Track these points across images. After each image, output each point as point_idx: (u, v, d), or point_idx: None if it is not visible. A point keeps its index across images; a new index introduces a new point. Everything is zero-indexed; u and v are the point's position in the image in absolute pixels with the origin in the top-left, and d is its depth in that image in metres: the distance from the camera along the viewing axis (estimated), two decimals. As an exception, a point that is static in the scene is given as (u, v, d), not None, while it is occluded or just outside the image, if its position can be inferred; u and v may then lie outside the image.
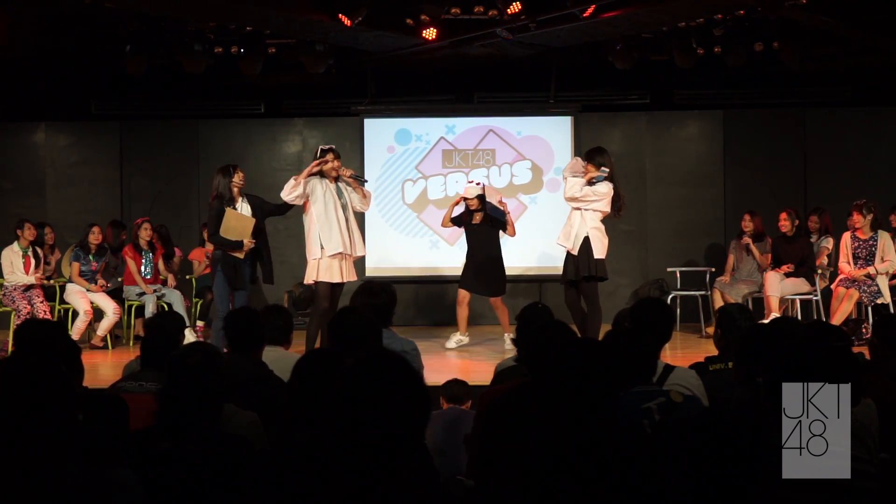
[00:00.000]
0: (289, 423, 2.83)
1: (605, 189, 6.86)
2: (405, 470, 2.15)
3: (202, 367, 2.78)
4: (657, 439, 2.06)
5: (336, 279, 6.84)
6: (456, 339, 8.22)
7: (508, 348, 7.64)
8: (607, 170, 6.90)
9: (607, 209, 6.88)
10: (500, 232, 8.26)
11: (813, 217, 9.09)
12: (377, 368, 2.18)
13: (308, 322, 7.10)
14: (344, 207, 6.92)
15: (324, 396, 2.52)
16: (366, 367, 2.19)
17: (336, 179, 6.97)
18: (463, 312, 8.22)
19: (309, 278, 6.93)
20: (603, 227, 6.97)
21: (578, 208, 6.89)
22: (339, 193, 6.95)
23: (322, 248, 6.80)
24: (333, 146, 7.13)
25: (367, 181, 7.35)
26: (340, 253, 6.81)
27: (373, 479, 2.07)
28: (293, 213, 10.49)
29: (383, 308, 4.35)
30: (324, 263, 6.80)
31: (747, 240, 8.89)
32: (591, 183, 6.87)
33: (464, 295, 8.21)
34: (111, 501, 2.07)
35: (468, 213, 8.27)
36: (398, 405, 2.13)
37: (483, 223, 8.17)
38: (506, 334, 7.99)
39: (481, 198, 8.18)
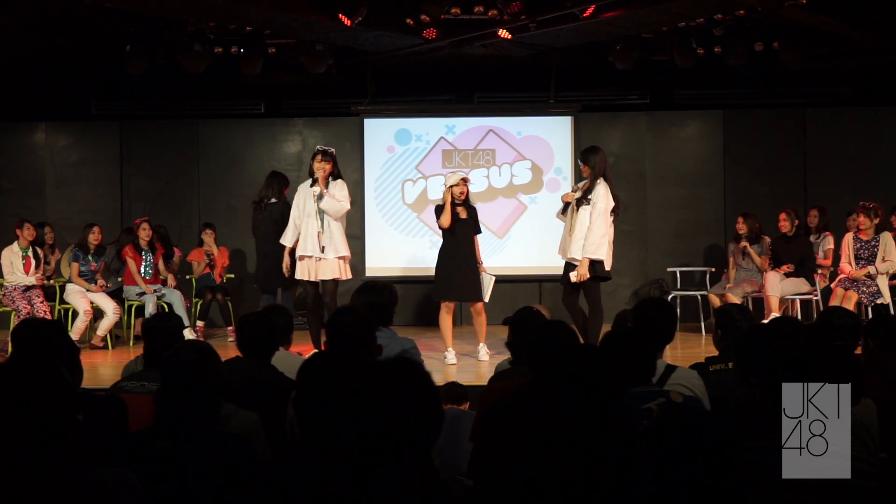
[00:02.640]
0: (292, 424, 2.83)
1: (602, 191, 6.80)
2: (406, 470, 2.14)
3: (196, 365, 2.77)
4: (649, 439, 2.06)
5: (304, 277, 7.10)
6: (453, 353, 7.41)
7: (483, 359, 7.37)
8: (578, 188, 6.97)
9: (612, 204, 6.82)
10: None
11: (813, 212, 9.09)
12: (395, 377, 2.15)
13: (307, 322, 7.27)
14: (320, 212, 7.02)
15: (331, 400, 2.51)
16: (384, 375, 2.16)
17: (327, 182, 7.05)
18: (449, 323, 7.46)
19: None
20: (610, 237, 6.87)
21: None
22: (321, 196, 7.00)
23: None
24: (326, 148, 7.17)
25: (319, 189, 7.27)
26: (311, 256, 7.05)
27: (377, 482, 2.07)
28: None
29: (385, 306, 4.36)
30: (297, 264, 7.15)
31: (745, 244, 8.90)
32: (585, 199, 6.82)
33: (449, 306, 7.47)
34: (111, 501, 2.07)
35: (452, 205, 7.39)
36: (415, 416, 2.11)
37: (469, 218, 7.43)
38: (480, 344, 7.55)
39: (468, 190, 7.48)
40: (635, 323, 3.88)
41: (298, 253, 7.08)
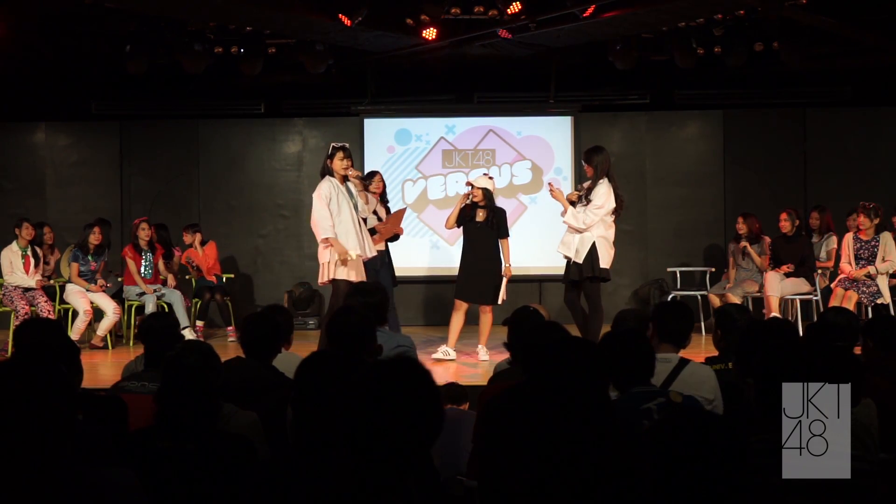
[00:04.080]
0: (292, 424, 2.83)
1: (603, 190, 6.80)
2: (405, 470, 2.14)
3: (198, 366, 2.77)
4: (648, 439, 2.06)
5: (353, 278, 6.71)
6: (443, 350, 7.47)
7: (484, 360, 7.37)
8: (583, 188, 6.96)
9: (612, 205, 6.81)
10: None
11: (814, 213, 9.09)
12: (395, 375, 2.15)
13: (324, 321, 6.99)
14: (355, 208, 6.89)
15: (330, 399, 2.51)
16: (383, 374, 2.16)
17: (345, 179, 6.93)
18: (458, 322, 7.50)
19: (323, 278, 6.83)
20: (611, 237, 6.86)
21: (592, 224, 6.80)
22: (350, 194, 6.91)
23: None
24: (346, 144, 7.09)
25: (368, 181, 7.34)
26: (356, 254, 6.76)
27: (376, 482, 2.07)
28: (293, 214, 10.55)
29: (379, 306, 4.40)
30: (341, 264, 6.72)
31: (744, 244, 8.91)
32: (586, 199, 6.82)
33: (461, 304, 7.51)
34: (111, 501, 2.07)
35: (471, 207, 7.46)
36: (415, 415, 2.10)
37: (485, 223, 7.43)
38: (480, 346, 7.53)
39: (488, 193, 7.44)
40: (655, 325, 3.88)
41: (353, 253, 6.72)
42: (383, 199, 7.93)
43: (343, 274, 6.70)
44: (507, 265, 7.53)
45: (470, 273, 7.47)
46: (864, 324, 4.20)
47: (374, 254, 7.12)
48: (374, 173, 7.90)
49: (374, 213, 7.57)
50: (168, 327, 3.92)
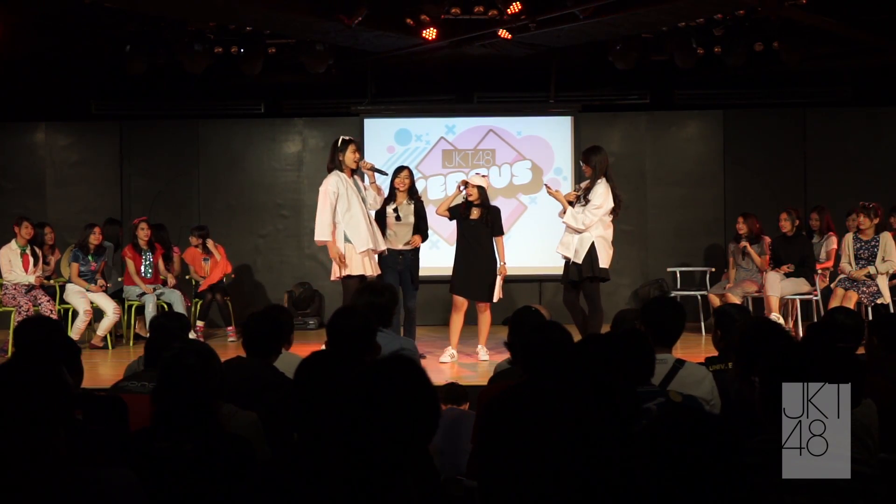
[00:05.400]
0: (292, 424, 2.83)
1: (602, 190, 6.81)
2: (406, 471, 2.14)
3: (194, 366, 2.77)
4: (646, 437, 2.07)
5: (368, 272, 6.80)
6: (450, 353, 7.41)
7: (484, 359, 7.38)
8: (581, 188, 6.98)
9: (611, 205, 6.84)
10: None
11: (814, 214, 9.10)
12: (390, 373, 2.15)
13: None
14: (363, 201, 6.88)
15: (329, 399, 2.51)
16: (381, 373, 2.16)
17: (353, 173, 6.91)
18: (458, 322, 7.48)
19: (334, 274, 6.89)
20: (609, 237, 6.88)
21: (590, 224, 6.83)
22: (358, 188, 6.90)
23: (350, 243, 6.78)
24: (353, 139, 7.09)
25: (387, 174, 7.35)
26: (367, 249, 6.79)
27: (375, 482, 2.07)
28: (293, 214, 10.54)
29: (385, 307, 4.37)
30: (355, 259, 6.77)
31: (745, 244, 8.91)
32: (584, 199, 6.84)
33: (461, 302, 7.46)
34: (111, 501, 2.07)
35: (465, 205, 7.46)
36: (411, 413, 2.10)
37: (480, 220, 7.42)
38: (480, 346, 7.52)
39: (483, 191, 7.44)
40: (644, 322, 3.88)
41: (360, 248, 6.79)
42: (412, 194, 7.60)
43: (356, 270, 6.74)
44: (503, 263, 7.53)
45: (467, 270, 7.45)
46: (870, 321, 4.20)
47: (384, 248, 7.12)
48: (401, 168, 7.67)
49: (395, 210, 7.44)
50: (179, 329, 3.92)
